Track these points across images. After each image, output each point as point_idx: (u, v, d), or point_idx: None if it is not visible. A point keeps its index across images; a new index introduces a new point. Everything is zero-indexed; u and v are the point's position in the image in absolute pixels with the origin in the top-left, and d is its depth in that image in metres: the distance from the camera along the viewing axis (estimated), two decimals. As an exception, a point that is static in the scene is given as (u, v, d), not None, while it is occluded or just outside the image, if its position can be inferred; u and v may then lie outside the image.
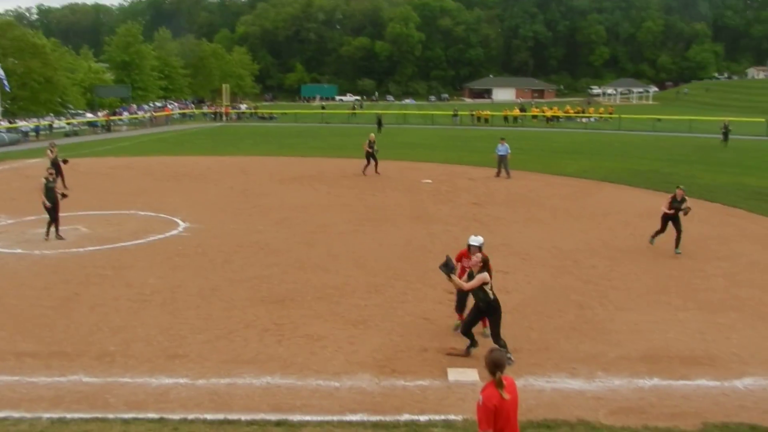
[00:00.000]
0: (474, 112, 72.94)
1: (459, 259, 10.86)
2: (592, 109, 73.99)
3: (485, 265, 9.66)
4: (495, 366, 5.39)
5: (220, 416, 8.07)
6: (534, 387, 8.89)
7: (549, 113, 70.59)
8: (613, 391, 8.75)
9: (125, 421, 7.92)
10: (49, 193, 16.67)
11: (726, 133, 45.31)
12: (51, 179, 17.07)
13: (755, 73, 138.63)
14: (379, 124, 55.44)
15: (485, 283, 9.52)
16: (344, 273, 14.13)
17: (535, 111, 73.28)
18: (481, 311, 9.84)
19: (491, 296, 9.59)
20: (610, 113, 72.01)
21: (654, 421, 7.92)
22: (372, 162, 28.38)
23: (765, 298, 12.33)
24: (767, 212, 20.21)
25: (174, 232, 17.93)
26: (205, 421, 7.95)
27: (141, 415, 8.07)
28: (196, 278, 13.73)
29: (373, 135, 29.05)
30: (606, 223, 18.96)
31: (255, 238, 17.25)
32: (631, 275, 13.92)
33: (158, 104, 78.60)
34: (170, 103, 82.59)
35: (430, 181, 26.76)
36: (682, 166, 31.45)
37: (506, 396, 5.32)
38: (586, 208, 21.28)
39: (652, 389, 8.83)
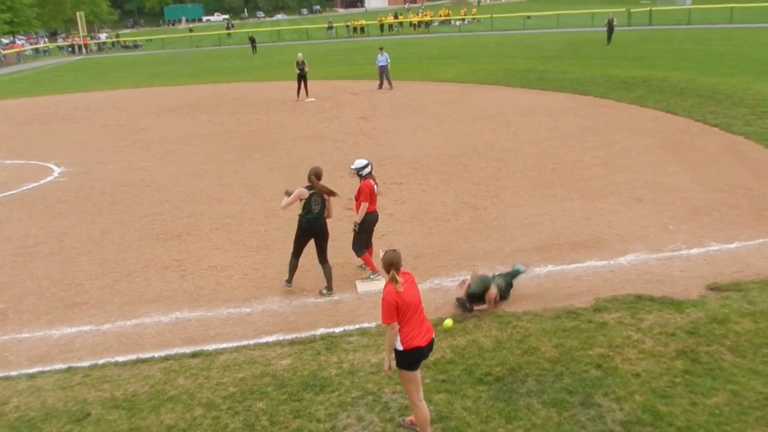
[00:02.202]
0: (349, 23, 71.56)
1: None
2: (463, 10, 74.26)
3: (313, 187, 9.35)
4: (388, 264, 5.73)
5: (133, 357, 7.92)
6: (441, 287, 9.27)
7: (416, 19, 69.97)
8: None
9: (31, 376, 7.61)
10: None
11: (611, 30, 40.70)
12: None
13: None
14: (253, 44, 53.38)
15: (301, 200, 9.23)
16: (239, 201, 13.89)
17: (411, 17, 72.62)
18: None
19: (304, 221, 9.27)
20: (474, 15, 72.87)
21: (552, 303, 8.51)
22: (303, 85, 26.48)
23: (639, 181, 13.27)
24: (634, 100, 21.45)
25: (49, 178, 16.82)
26: (117, 364, 7.77)
27: (47, 368, 7.78)
28: (83, 223, 13.07)
29: (301, 55, 26.62)
30: (489, 125, 19.51)
31: (139, 175, 16.50)
32: (518, 173, 14.52)
33: (5, 41, 71.68)
34: (18, 39, 75.50)
35: (313, 99, 26.35)
36: (555, 63, 32.55)
37: (400, 288, 5.68)
38: (469, 112, 21.76)
39: (548, 275, 9.44)
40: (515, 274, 8.94)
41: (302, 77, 26.42)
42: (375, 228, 9.91)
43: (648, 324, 7.83)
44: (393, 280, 5.72)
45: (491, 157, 15.90)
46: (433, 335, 5.92)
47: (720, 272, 9.13)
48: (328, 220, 9.47)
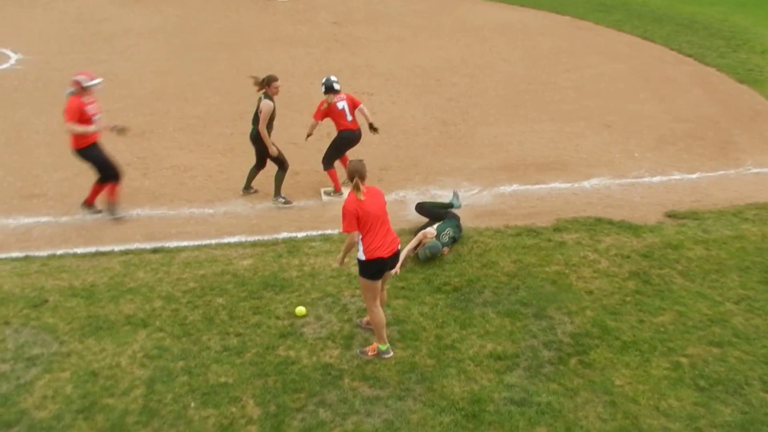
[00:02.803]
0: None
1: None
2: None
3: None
4: (353, 173, 5.79)
5: (92, 249, 7.87)
6: (405, 199, 9.31)
7: None
8: (477, 197, 9.35)
9: (-13, 263, 7.53)
10: None
11: None
12: None
13: None
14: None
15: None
16: (205, 102, 13.53)
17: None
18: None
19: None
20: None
21: (514, 221, 8.65)
22: None
23: (609, 107, 13.28)
24: (612, 24, 21.16)
25: (5, 65, 16.08)
26: (75, 255, 7.73)
27: (3, 255, 7.70)
28: (41, 115, 12.63)
29: None
30: (464, 40, 19.12)
31: (101, 68, 15.80)
32: (490, 91, 14.39)
33: None
34: None
35: None
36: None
37: (361, 197, 5.71)
38: (444, 25, 21.24)
39: (512, 194, 9.54)
40: (450, 206, 8.72)
41: None
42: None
43: (605, 246, 8.02)
44: (356, 188, 5.73)
45: (464, 74, 15.68)
46: (398, 247, 5.96)
47: (679, 200, 9.34)
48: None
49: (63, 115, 8.45)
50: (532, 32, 20.10)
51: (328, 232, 8.36)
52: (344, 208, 5.74)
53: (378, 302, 6.01)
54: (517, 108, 13.29)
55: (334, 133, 9.56)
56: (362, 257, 5.81)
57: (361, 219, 5.72)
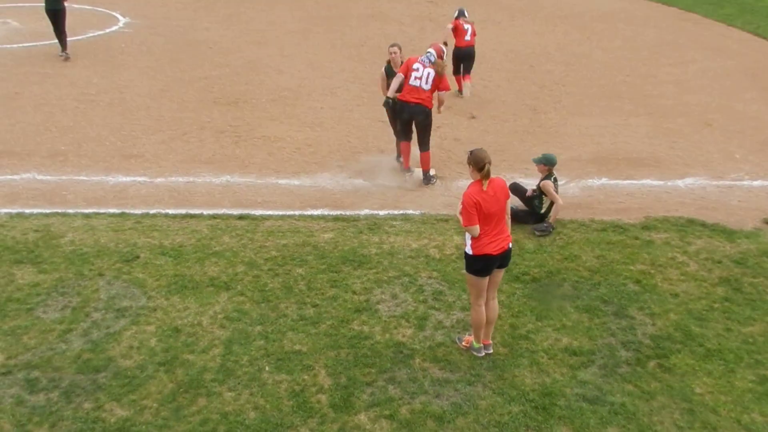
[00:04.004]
0: None
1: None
2: None
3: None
4: (480, 160, 5.38)
5: (182, 211, 8.18)
6: (489, 185, 9.18)
7: None
8: (564, 189, 9.13)
9: (86, 216, 7.97)
10: None
11: None
12: None
13: None
14: None
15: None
16: (298, 75, 13.76)
17: None
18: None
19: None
20: None
21: (600, 215, 8.39)
22: None
23: (712, 105, 12.65)
24: (722, 18, 20.10)
25: (114, 27, 16.87)
26: (167, 215, 8.06)
27: (102, 210, 8.11)
28: (143, 78, 13.20)
29: None
30: (562, 27, 18.62)
31: (202, 36, 16.41)
32: (585, 80, 13.97)
33: None
34: None
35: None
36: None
37: (485, 187, 5.40)
38: (543, 10, 20.74)
39: (600, 188, 9.26)
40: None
41: None
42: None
43: (695, 248, 7.69)
44: (485, 177, 5.37)
45: (560, 61, 15.28)
46: (510, 244, 5.63)
47: (780, 207, 8.82)
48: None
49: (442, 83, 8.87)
50: (635, 22, 19.36)
51: (410, 212, 8.38)
52: (466, 199, 5.36)
53: (482, 300, 5.69)
54: (613, 100, 12.85)
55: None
56: (469, 251, 5.50)
57: (481, 212, 5.37)
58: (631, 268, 7.22)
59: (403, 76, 8.81)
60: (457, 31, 12.68)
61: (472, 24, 12.86)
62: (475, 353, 5.84)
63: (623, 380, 5.60)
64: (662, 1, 22.29)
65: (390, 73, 9.13)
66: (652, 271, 7.16)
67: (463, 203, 5.41)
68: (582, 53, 16.00)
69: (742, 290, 6.90)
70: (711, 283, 7.02)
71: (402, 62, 9.01)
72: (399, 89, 8.86)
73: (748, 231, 8.15)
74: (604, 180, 9.52)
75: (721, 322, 6.36)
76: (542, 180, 8.17)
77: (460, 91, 12.75)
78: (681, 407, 5.34)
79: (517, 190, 8.33)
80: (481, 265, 5.54)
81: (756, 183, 9.55)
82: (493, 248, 5.48)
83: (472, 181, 5.49)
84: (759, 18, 20.05)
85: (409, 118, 8.95)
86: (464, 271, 5.71)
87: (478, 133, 11.04)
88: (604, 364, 5.78)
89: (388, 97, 9.04)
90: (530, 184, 8.99)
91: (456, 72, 12.84)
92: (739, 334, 6.20)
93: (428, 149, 9.12)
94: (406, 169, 9.41)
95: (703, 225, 8.25)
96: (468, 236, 5.51)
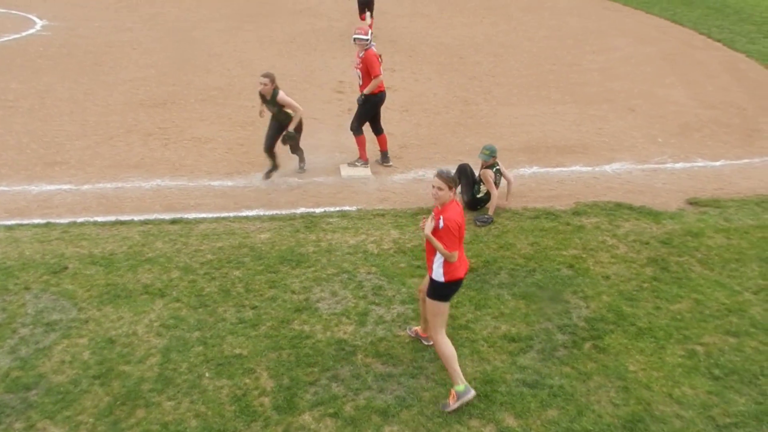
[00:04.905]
0: None
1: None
2: None
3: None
4: (455, 178, 5.12)
5: (112, 218, 7.94)
6: (424, 179, 9.26)
7: None
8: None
9: (8, 227, 7.64)
10: None
11: None
12: None
13: None
14: None
15: (290, 108, 8.80)
16: (228, 74, 13.53)
17: None
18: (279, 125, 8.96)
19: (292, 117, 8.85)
20: None
21: (533, 203, 8.59)
22: None
23: (635, 91, 13.09)
24: (641, 5, 20.79)
25: (31, 30, 16.18)
26: (96, 223, 7.80)
27: (25, 221, 7.79)
28: (65, 82, 12.72)
29: None
30: (489, 18, 18.91)
31: (125, 36, 15.93)
32: (514, 71, 14.23)
33: None
34: None
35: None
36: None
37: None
38: (471, 2, 21.01)
39: (531, 176, 9.46)
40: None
41: None
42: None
43: (624, 231, 7.95)
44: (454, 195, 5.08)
45: (488, 52, 15.51)
46: (469, 264, 5.50)
47: (701, 188, 9.20)
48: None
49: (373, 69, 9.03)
50: (560, 12, 19.84)
51: (346, 208, 8.36)
52: (450, 223, 4.95)
53: (445, 328, 5.33)
54: (541, 89, 13.14)
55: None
56: (441, 279, 5.10)
57: (459, 234, 5.04)
58: (564, 253, 7.41)
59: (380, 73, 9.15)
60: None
61: None
62: (467, 398, 5.21)
63: (561, 363, 5.75)
64: (584, -9, 22.89)
65: (263, 99, 8.85)
66: (584, 256, 7.37)
67: (447, 227, 4.96)
68: (510, 44, 16.29)
69: (669, 269, 7.18)
70: (640, 264, 7.27)
71: (269, 92, 8.70)
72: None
73: (672, 212, 8.48)
74: (535, 168, 9.73)
75: (650, 301, 6.60)
76: (483, 168, 8.29)
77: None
78: (616, 385, 5.52)
79: (464, 172, 8.41)
80: (452, 291, 5.26)
81: (678, 165, 9.94)
82: (462, 271, 5.24)
83: (446, 201, 5.05)
84: (675, 5, 20.83)
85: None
86: (430, 299, 5.25)
87: (410, 126, 11.11)
88: (541, 349, 5.91)
89: (360, 96, 9.33)
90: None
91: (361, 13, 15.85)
92: (668, 311, 6.45)
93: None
94: (365, 161, 9.57)
95: (631, 208, 8.54)
96: (439, 262, 5.09)
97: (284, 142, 8.98)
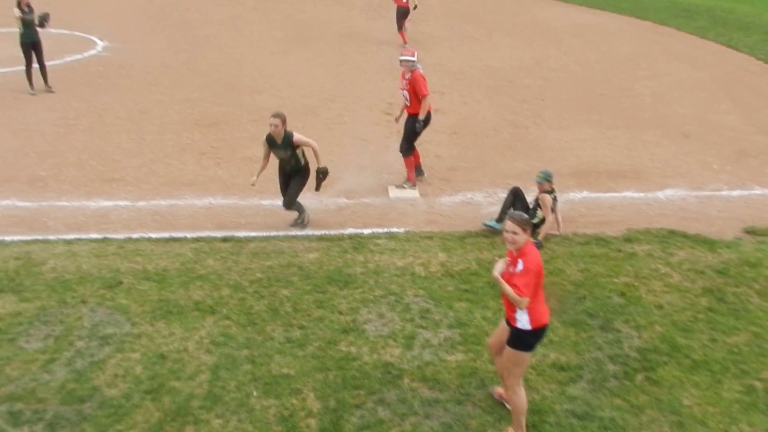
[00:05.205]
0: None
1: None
2: None
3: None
4: (528, 223, 4.81)
5: (165, 234, 8.11)
6: (473, 201, 9.24)
7: None
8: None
9: (68, 242, 7.86)
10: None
11: None
12: (26, 9, 13.08)
13: None
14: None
15: (308, 146, 8.14)
16: (278, 95, 13.77)
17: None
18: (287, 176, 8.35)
19: (302, 162, 8.26)
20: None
21: (583, 229, 8.45)
22: None
23: (688, 116, 12.84)
24: (694, 30, 20.48)
25: (92, 51, 16.79)
26: (150, 240, 7.98)
27: (83, 236, 8.02)
28: (123, 101, 13.13)
29: None
30: (539, 42, 18.86)
31: (181, 57, 16.39)
32: (563, 95, 14.13)
33: None
34: None
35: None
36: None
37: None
38: (519, 26, 21.02)
39: (582, 201, 9.34)
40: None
41: None
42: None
43: (678, 259, 7.76)
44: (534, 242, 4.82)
45: (538, 76, 15.45)
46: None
47: (759, 216, 8.94)
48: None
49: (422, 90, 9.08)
50: (611, 36, 19.68)
51: (394, 230, 8.38)
52: (533, 266, 4.66)
53: (522, 380, 5.08)
54: (591, 113, 13.00)
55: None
56: (527, 327, 4.80)
57: (540, 277, 4.75)
58: (616, 280, 7.27)
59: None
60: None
61: None
62: None
63: (612, 394, 5.62)
64: (636, 15, 22.69)
65: (272, 143, 8.11)
66: (636, 284, 7.22)
67: (528, 269, 4.65)
68: (559, 68, 16.19)
69: (725, 300, 6.98)
70: (694, 293, 7.08)
71: (280, 133, 8.03)
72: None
73: (728, 241, 8.25)
74: (585, 193, 9.60)
75: (706, 333, 6.41)
76: (542, 193, 8.21)
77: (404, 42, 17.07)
78: (670, 420, 5.36)
79: (518, 196, 8.36)
80: (538, 339, 4.94)
81: (734, 193, 9.69)
82: (547, 316, 4.93)
83: (521, 245, 4.73)
84: (731, 30, 20.46)
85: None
86: (512, 349, 4.93)
87: (459, 149, 11.10)
88: (592, 379, 5.79)
89: (419, 121, 9.29)
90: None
91: (399, 28, 17.66)
92: (725, 344, 6.25)
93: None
94: (413, 183, 9.64)
95: (685, 236, 8.34)
96: (522, 310, 4.77)
97: (320, 179, 8.30)
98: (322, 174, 8.30)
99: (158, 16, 21.30)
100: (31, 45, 13.18)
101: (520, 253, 4.74)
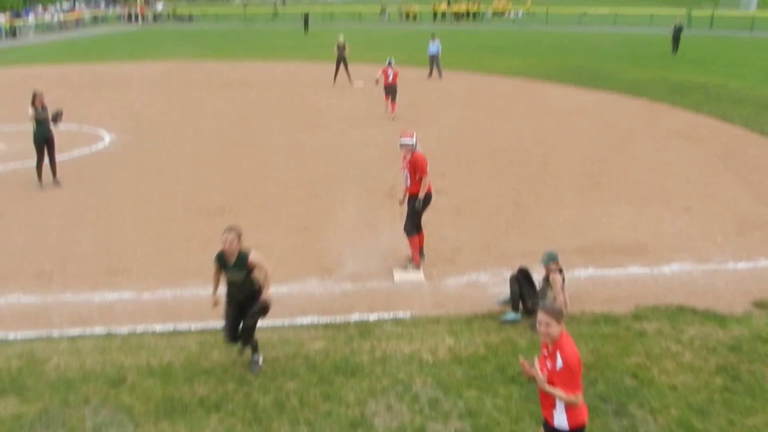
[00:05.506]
0: (402, 8, 70.83)
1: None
2: (504, 3, 73.06)
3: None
4: (561, 313, 4.69)
5: (170, 327, 8.06)
6: (478, 283, 9.20)
7: (461, 9, 68.19)
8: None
9: (72, 338, 7.81)
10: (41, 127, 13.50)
11: (677, 38, 34.82)
12: (41, 107, 13.40)
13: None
14: (306, 23, 53.43)
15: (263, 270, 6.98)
16: (283, 181, 13.98)
17: (456, 7, 70.38)
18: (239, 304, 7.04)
19: (257, 286, 7.04)
20: (528, 8, 71.38)
21: (591, 307, 8.38)
22: (342, 68, 25.89)
23: (689, 189, 12.94)
24: (689, 106, 20.90)
25: (100, 145, 17.18)
26: (154, 333, 7.92)
27: (88, 331, 7.97)
28: (130, 191, 13.33)
29: (342, 37, 26.15)
30: (538, 122, 19.24)
31: (187, 148, 16.74)
32: (564, 172, 14.29)
33: (65, 6, 73.10)
34: (79, 4, 77.07)
35: (362, 83, 26.25)
36: (609, 62, 31.89)
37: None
38: (518, 107, 21.50)
39: (588, 278, 9.29)
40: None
41: (341, 60, 25.90)
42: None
43: (689, 336, 7.65)
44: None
45: (538, 154, 15.68)
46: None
47: (768, 289, 8.87)
48: None
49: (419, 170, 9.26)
50: (607, 114, 20.09)
51: (400, 314, 8.32)
52: (570, 359, 4.50)
53: None
54: (593, 189, 13.12)
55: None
56: (565, 427, 4.57)
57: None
58: (627, 361, 7.14)
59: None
60: (384, 74, 20.03)
61: (394, 70, 19.97)
62: None
63: (630, 484, 5.42)
64: (630, 93, 23.22)
65: (223, 263, 6.86)
66: (648, 363, 7.09)
67: (567, 366, 4.49)
68: (558, 146, 16.45)
69: (740, 378, 6.83)
70: (708, 372, 6.94)
71: (234, 252, 6.79)
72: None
73: (739, 315, 8.15)
74: (591, 270, 9.57)
75: (723, 415, 6.25)
76: (552, 274, 8.16)
77: (392, 112, 19.96)
78: None
79: (527, 277, 8.31)
80: None
81: (741, 265, 9.64)
82: (586, 413, 4.71)
83: (556, 337, 4.60)
84: (724, 104, 20.88)
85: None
86: None
87: (464, 230, 11.15)
88: (609, 468, 5.61)
89: (418, 200, 9.38)
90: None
91: (386, 99, 20.25)
92: (743, 426, 6.08)
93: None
94: (417, 264, 9.62)
95: (694, 311, 8.25)
96: (561, 407, 4.57)
97: (256, 317, 6.97)
98: (261, 312, 6.97)
99: (165, 110, 21.91)
100: (44, 141, 13.50)
101: (556, 345, 4.60)
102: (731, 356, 7.24)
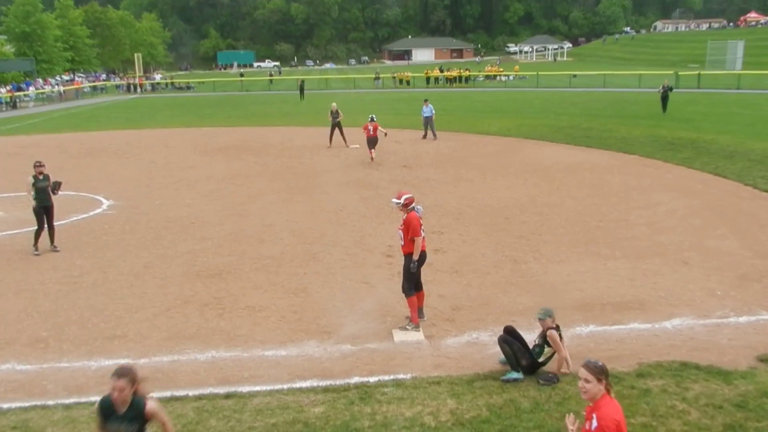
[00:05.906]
0: (395, 75, 72.58)
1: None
2: (496, 68, 75.38)
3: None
4: (604, 373, 4.60)
5: (167, 393, 7.90)
6: (478, 341, 9.11)
7: (453, 74, 70.12)
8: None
9: (67, 407, 7.66)
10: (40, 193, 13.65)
11: (666, 97, 35.22)
12: (41, 177, 13.66)
13: (662, 26, 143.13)
14: (302, 90, 54.48)
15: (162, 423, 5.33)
16: (280, 242, 13.99)
17: (448, 73, 72.38)
18: None
19: None
20: (516, 71, 73.53)
21: (593, 366, 8.26)
22: (338, 132, 26.63)
23: (685, 243, 12.98)
24: (681, 161, 21.16)
25: (98, 210, 17.24)
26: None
27: (83, 399, 7.82)
28: (127, 256, 13.30)
29: (335, 104, 26.93)
30: (532, 180, 19.43)
31: (184, 212, 16.81)
32: (560, 229, 14.35)
33: (65, 77, 74.59)
34: (78, 76, 78.65)
35: (357, 146, 26.59)
36: (600, 121, 32.45)
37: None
38: (512, 166, 21.73)
39: (589, 335, 9.21)
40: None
41: (336, 125, 26.67)
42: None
43: (694, 394, 7.54)
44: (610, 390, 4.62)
45: (533, 212, 15.78)
46: None
47: (771, 343, 8.80)
48: None
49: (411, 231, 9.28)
50: (601, 171, 20.32)
51: (400, 376, 8.20)
52: (607, 421, 4.42)
53: None
54: (589, 245, 13.15)
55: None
56: None
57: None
58: (633, 421, 7.00)
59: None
60: (365, 129, 22.89)
61: (374, 124, 22.84)
62: None
63: None
64: (623, 150, 23.55)
65: (108, 414, 5.20)
66: (654, 423, 6.96)
67: (601, 427, 4.41)
68: (554, 203, 16.57)
69: (748, 436, 6.70)
70: (715, 431, 6.81)
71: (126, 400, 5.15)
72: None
73: (743, 371, 8.06)
74: (591, 327, 9.50)
75: (733, 473, 6.10)
76: (548, 330, 8.11)
77: (372, 159, 22.71)
78: None
79: (514, 334, 8.24)
80: None
81: (742, 319, 9.58)
82: None
83: (596, 396, 4.51)
84: (716, 159, 21.16)
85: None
86: None
87: (461, 287, 11.11)
88: None
89: (413, 261, 9.39)
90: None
91: (369, 151, 22.88)
92: (755, 485, 5.94)
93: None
94: (416, 324, 9.52)
95: (698, 368, 8.16)
96: None
97: None
98: None
99: (162, 175, 22.08)
100: (44, 210, 13.60)
101: (595, 405, 4.44)
102: (738, 414, 7.12)
